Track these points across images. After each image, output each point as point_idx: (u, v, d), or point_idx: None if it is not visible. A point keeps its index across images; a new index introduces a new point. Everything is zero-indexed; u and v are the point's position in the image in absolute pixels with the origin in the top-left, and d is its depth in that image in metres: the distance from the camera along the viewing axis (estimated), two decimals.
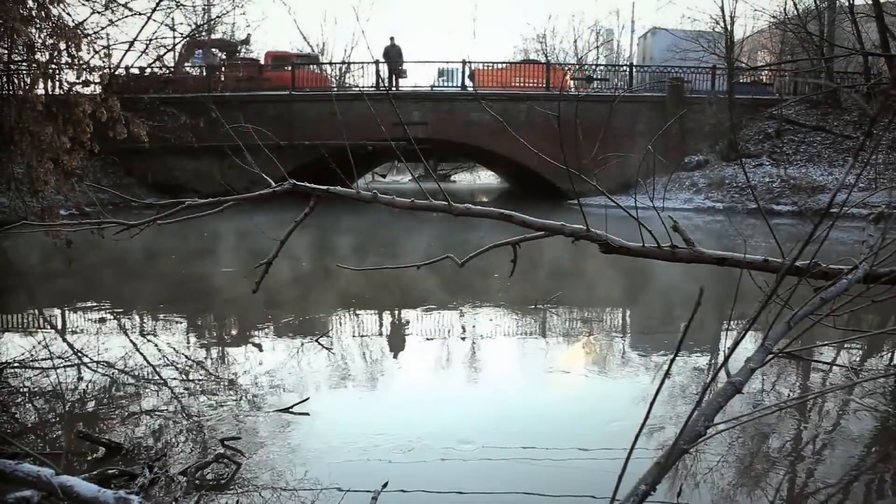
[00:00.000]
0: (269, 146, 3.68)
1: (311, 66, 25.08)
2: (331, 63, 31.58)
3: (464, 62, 23.36)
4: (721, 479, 3.10)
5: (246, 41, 23.58)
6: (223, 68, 23.79)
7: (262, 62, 24.47)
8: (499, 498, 2.89)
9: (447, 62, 23.87)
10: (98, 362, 4.96)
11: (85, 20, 12.80)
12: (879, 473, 3.31)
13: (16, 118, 8.54)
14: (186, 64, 23.17)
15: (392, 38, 23.13)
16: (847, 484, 3.13)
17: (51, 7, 8.82)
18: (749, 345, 4.24)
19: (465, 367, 5.06)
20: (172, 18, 20.46)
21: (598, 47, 40.56)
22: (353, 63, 25.59)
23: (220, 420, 3.72)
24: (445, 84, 23.29)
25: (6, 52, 9.24)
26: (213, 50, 24.21)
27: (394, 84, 23.00)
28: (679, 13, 69.84)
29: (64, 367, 4.84)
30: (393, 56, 22.87)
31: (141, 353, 5.19)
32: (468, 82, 22.96)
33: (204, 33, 24.60)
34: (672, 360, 4.83)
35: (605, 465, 3.09)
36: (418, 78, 23.34)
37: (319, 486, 2.95)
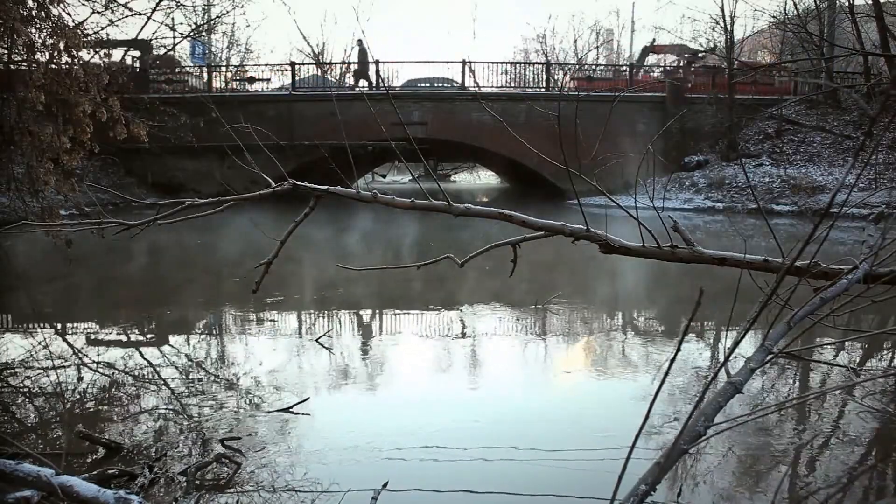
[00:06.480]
0: (269, 146, 3.67)
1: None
2: (330, 63, 31.61)
3: (464, 62, 23.36)
4: (721, 479, 3.10)
5: (712, 50, 23.73)
6: (680, 73, 24.24)
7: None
8: (498, 498, 2.89)
9: (447, 62, 23.89)
10: (98, 362, 4.96)
11: (85, 20, 12.80)
12: (879, 473, 3.31)
13: (16, 118, 8.53)
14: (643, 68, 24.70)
15: (360, 41, 22.76)
16: (847, 484, 3.13)
17: (51, 7, 8.80)
18: (749, 345, 4.24)
19: (465, 367, 5.06)
20: (172, 18, 20.52)
21: (598, 47, 40.53)
22: (354, 63, 25.53)
23: (220, 420, 3.73)
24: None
25: (6, 52, 9.23)
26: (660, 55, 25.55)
27: (358, 85, 22.78)
28: (679, 13, 69.72)
29: (64, 367, 4.83)
30: (360, 58, 22.56)
31: (141, 353, 5.19)
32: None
33: (204, 32, 24.60)
34: (672, 360, 4.82)
35: (605, 465, 3.08)
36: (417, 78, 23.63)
37: (319, 486, 2.95)
